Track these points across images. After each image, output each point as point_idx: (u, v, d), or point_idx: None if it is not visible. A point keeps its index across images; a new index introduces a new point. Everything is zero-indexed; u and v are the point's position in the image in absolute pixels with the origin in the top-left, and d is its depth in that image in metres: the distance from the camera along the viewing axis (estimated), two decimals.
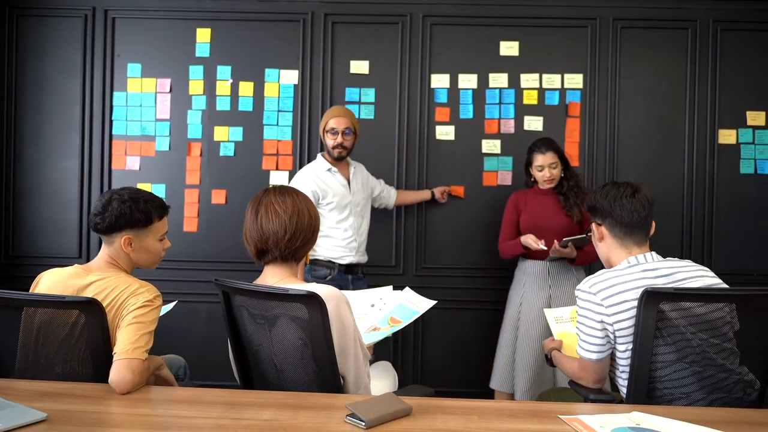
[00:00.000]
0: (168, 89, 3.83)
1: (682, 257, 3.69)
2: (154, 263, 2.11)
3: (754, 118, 3.74)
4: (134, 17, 3.84)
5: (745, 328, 1.81)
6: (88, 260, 3.82)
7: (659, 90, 3.77)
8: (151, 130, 3.84)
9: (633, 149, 3.76)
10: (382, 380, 2.33)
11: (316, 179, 3.19)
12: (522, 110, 3.76)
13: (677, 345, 1.78)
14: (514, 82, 3.77)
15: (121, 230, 1.98)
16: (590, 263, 3.35)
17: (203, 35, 3.82)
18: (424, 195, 3.71)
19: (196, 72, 3.83)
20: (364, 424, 1.43)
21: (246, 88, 3.82)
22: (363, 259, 3.36)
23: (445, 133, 3.78)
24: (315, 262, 3.23)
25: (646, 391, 1.81)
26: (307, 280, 3.10)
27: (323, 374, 1.75)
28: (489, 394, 3.40)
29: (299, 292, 1.70)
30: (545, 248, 3.06)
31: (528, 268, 3.26)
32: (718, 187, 3.74)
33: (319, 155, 3.34)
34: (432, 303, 2.40)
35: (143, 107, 3.84)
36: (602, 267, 2.12)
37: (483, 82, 3.77)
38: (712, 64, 3.75)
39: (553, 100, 3.76)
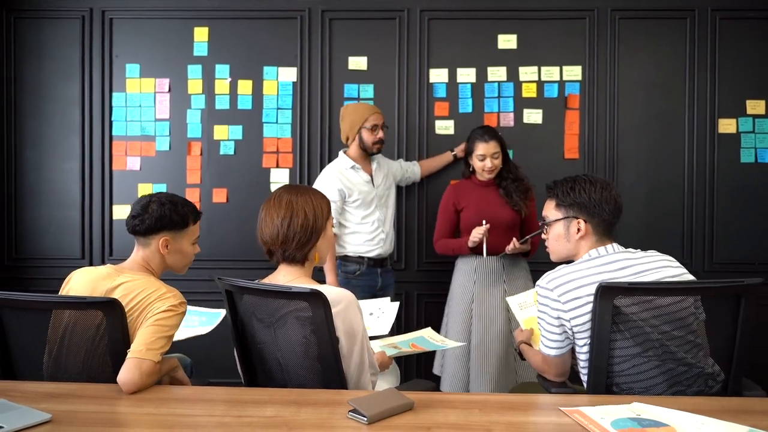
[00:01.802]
0: (167, 89, 3.84)
1: (683, 248, 3.73)
2: (184, 267, 2.16)
3: (754, 106, 3.73)
4: (131, 18, 3.84)
5: (707, 319, 1.83)
6: (90, 261, 3.84)
7: (658, 80, 3.76)
8: (150, 130, 3.84)
9: (633, 140, 3.76)
10: (385, 376, 2.35)
11: (342, 178, 3.23)
12: (521, 103, 3.76)
13: (636, 339, 1.77)
14: (512, 76, 3.76)
15: (159, 232, 2.03)
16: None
17: (201, 34, 3.83)
18: (447, 158, 3.70)
19: (194, 71, 3.83)
20: (366, 419, 1.44)
21: (245, 87, 3.82)
22: (390, 248, 3.40)
23: (445, 127, 3.78)
24: (346, 258, 3.28)
25: (605, 386, 1.81)
26: (338, 277, 3.15)
27: (327, 371, 1.76)
28: None
29: (302, 289, 1.70)
30: (486, 227, 3.00)
31: (480, 264, 3.17)
32: (719, 177, 3.73)
33: (341, 153, 3.36)
34: (458, 344, 2.50)
35: (142, 107, 3.85)
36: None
37: (481, 76, 3.77)
38: (711, 53, 3.74)
39: (552, 92, 3.75)
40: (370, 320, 2.37)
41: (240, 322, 1.91)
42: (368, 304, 2.52)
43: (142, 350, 1.74)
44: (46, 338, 1.85)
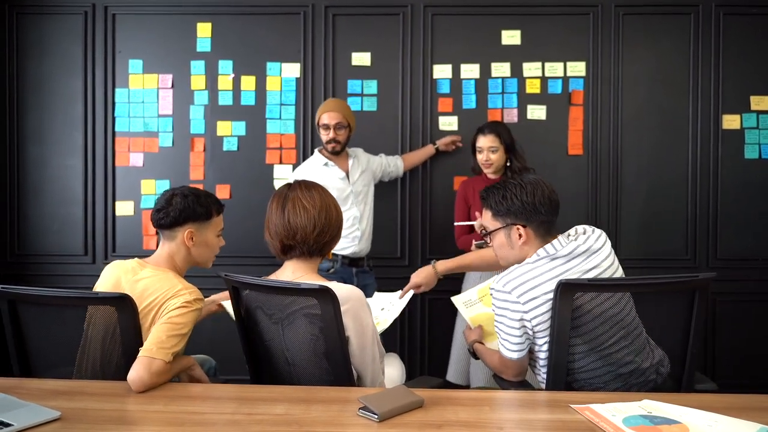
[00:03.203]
0: (170, 85, 3.82)
1: (686, 244, 3.73)
2: (209, 260, 2.18)
3: (758, 102, 3.72)
4: (134, 13, 3.83)
5: (658, 313, 1.86)
6: (93, 257, 3.84)
7: (662, 76, 3.75)
8: (153, 126, 3.83)
9: (637, 136, 3.75)
10: (389, 369, 2.35)
11: (313, 176, 3.14)
12: (525, 99, 3.75)
13: (593, 333, 1.79)
14: (516, 71, 3.75)
15: (184, 224, 2.05)
16: None
17: (204, 30, 3.81)
18: (428, 151, 3.67)
19: (197, 67, 3.82)
20: (376, 417, 1.44)
21: (248, 83, 3.81)
22: (366, 247, 3.36)
23: (448, 123, 3.77)
24: None
25: (564, 383, 1.82)
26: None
27: (335, 368, 1.76)
28: None
29: (311, 285, 1.70)
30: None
31: None
32: (723, 173, 3.73)
33: (316, 151, 3.36)
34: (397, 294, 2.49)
35: (145, 103, 3.84)
36: None
37: (485, 72, 3.76)
38: (714, 49, 3.73)
39: (555, 88, 3.75)
40: (381, 314, 2.37)
41: (246, 319, 1.90)
42: (381, 299, 2.51)
43: (153, 349, 1.73)
44: (61, 333, 1.85)
